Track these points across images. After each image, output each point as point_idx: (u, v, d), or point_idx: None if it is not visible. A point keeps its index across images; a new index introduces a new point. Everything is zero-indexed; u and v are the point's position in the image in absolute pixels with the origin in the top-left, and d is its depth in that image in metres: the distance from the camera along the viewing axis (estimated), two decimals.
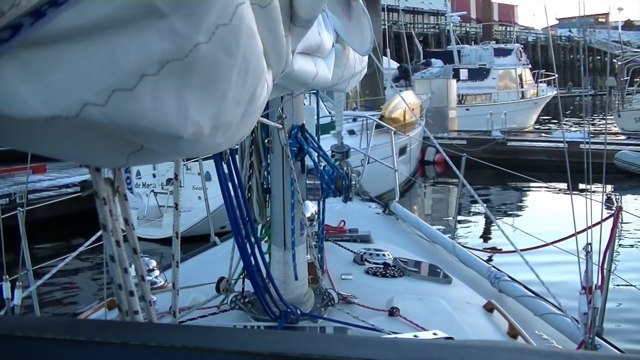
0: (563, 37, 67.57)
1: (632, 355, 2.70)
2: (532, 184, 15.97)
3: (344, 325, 2.52)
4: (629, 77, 23.56)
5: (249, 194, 2.56)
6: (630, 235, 10.65)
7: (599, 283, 2.90)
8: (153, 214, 11.12)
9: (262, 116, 1.91)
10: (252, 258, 2.22)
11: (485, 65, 29.17)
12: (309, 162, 2.74)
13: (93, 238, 3.76)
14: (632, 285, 5.37)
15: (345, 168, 2.74)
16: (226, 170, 2.00)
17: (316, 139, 2.85)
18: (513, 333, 2.81)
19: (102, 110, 0.64)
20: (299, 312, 2.51)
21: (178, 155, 1.10)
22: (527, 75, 31.07)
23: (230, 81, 0.81)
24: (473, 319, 2.92)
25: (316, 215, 3.25)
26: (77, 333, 0.84)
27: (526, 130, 26.79)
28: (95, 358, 0.82)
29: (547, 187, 15.40)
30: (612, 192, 14.17)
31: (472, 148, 16.14)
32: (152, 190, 11.42)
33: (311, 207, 3.31)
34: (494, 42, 37.60)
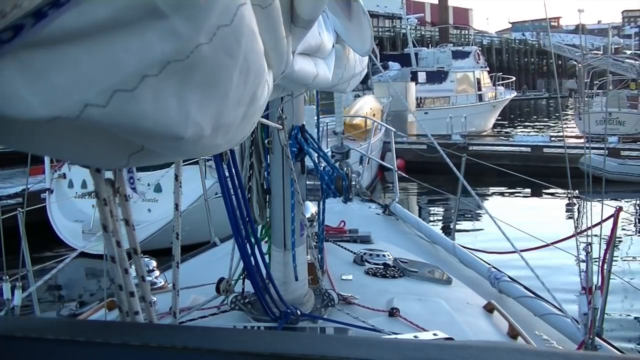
0: (516, 41, 67.95)
1: (632, 355, 2.70)
2: (494, 189, 15.79)
3: (344, 325, 2.52)
4: (589, 80, 23.49)
5: (249, 195, 2.56)
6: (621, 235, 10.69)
7: (599, 283, 2.90)
8: (99, 227, 10.36)
9: (262, 117, 1.91)
10: (252, 259, 2.22)
11: (443, 67, 28.69)
12: (309, 162, 2.74)
13: (94, 239, 3.76)
14: (633, 286, 5.38)
15: (345, 169, 2.74)
16: (227, 171, 2.00)
17: (316, 139, 2.85)
18: (513, 334, 2.81)
19: (103, 111, 0.64)
20: (299, 313, 2.51)
21: (179, 156, 1.10)
22: (485, 78, 30.87)
23: (231, 82, 0.81)
24: (473, 320, 2.92)
25: (316, 216, 3.25)
26: (77, 334, 0.84)
27: (485, 133, 26.51)
28: (95, 359, 0.82)
29: (512, 193, 15.35)
30: (577, 196, 14.15)
31: (433, 153, 15.20)
32: None
33: (311, 208, 3.31)
34: (451, 44, 37.02)
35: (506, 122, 34.68)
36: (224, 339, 0.87)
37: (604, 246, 3.22)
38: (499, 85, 32.20)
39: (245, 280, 2.59)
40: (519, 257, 3.36)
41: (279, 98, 2.30)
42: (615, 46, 34.27)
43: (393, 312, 2.70)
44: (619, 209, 3.51)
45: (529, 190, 15.44)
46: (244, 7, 0.78)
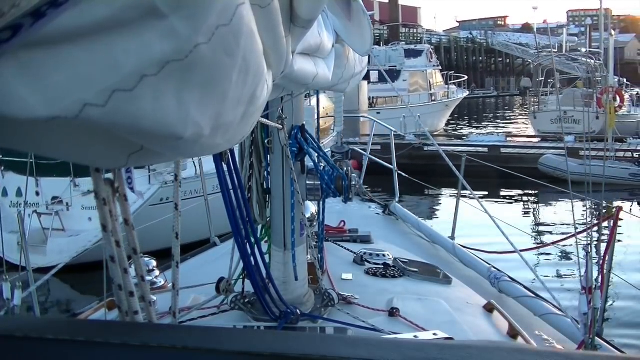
0: (464, 39, 68.31)
1: (632, 355, 2.70)
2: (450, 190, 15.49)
3: (344, 325, 2.52)
4: (543, 78, 23.21)
5: (249, 195, 2.56)
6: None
7: (599, 283, 2.89)
8: (36, 238, 9.18)
9: (262, 117, 1.91)
10: (252, 258, 2.22)
11: (395, 66, 27.91)
12: (309, 162, 2.74)
13: (95, 239, 3.77)
14: (632, 286, 5.38)
15: (345, 168, 2.75)
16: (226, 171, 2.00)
17: (316, 139, 2.85)
18: (513, 333, 2.81)
19: (103, 110, 0.64)
20: (299, 313, 2.51)
21: (178, 156, 1.10)
22: (438, 76, 30.46)
23: (231, 82, 0.81)
24: (473, 320, 2.92)
25: (316, 216, 3.25)
26: (77, 334, 0.84)
27: (437, 133, 25.92)
28: (95, 359, 0.82)
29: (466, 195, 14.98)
30: (536, 198, 14.12)
31: (387, 154, 14.85)
32: (35, 211, 9.42)
33: (311, 208, 3.31)
34: (403, 43, 36.11)
35: (461, 121, 34.61)
36: (224, 339, 0.86)
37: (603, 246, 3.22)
38: (451, 84, 31.75)
39: (245, 280, 2.59)
40: (519, 257, 3.36)
41: (279, 98, 2.30)
42: (571, 44, 34.24)
43: (393, 312, 2.70)
44: (619, 209, 3.51)
45: (486, 192, 15.25)
46: (243, 7, 0.78)
